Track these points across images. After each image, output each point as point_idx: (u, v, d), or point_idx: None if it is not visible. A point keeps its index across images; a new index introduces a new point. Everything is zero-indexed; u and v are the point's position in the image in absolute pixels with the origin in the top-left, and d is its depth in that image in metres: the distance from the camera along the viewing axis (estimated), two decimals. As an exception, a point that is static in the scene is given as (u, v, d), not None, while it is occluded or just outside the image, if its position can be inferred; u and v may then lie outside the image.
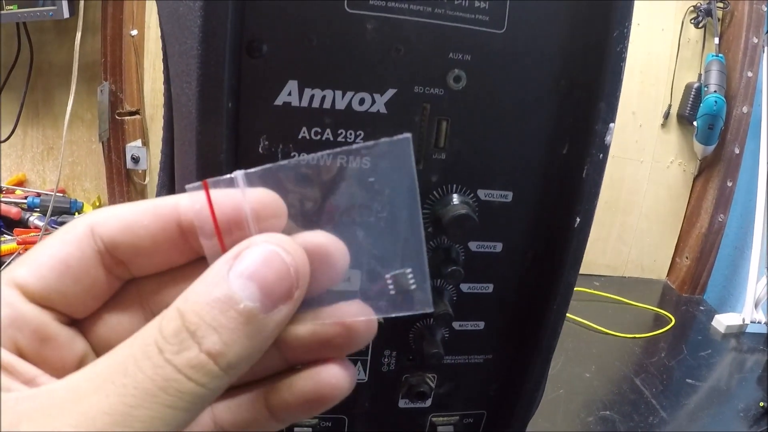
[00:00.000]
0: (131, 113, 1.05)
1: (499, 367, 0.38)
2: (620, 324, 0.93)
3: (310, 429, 0.38)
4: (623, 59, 0.32)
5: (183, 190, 0.31)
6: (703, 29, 1.11)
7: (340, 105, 0.29)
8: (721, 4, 1.09)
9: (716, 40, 1.09)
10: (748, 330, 0.99)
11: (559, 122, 0.33)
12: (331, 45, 0.28)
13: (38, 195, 1.12)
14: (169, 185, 0.49)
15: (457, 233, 0.30)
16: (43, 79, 1.13)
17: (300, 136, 0.29)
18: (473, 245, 0.34)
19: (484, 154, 0.32)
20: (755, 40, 1.06)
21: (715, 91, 1.04)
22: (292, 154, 0.29)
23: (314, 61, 0.28)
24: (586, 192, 0.33)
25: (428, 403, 0.38)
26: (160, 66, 1.18)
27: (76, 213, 1.12)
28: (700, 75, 1.10)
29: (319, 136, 0.29)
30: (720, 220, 1.10)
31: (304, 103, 0.29)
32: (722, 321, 0.98)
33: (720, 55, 1.08)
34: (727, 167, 1.08)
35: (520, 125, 0.32)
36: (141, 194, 1.12)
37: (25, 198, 1.11)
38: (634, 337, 0.90)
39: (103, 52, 1.00)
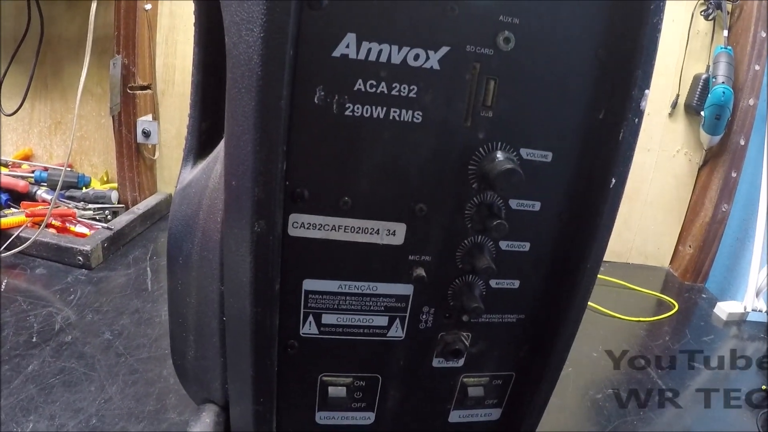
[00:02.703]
0: (143, 87, 1.05)
1: (531, 328, 0.39)
2: (625, 308, 0.94)
3: (345, 388, 0.39)
4: (659, 30, 0.33)
5: (233, 141, 0.31)
6: (712, 21, 1.11)
7: (396, 59, 0.30)
8: (731, -3, 1.10)
9: (725, 33, 1.10)
10: (749, 318, 1.00)
11: (597, 88, 0.34)
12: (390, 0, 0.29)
13: (45, 169, 1.11)
14: (197, 148, 0.50)
15: (504, 187, 0.31)
16: (52, 52, 1.12)
17: (355, 88, 0.30)
18: (513, 203, 0.34)
19: (528, 114, 0.33)
20: (763, 34, 1.07)
21: (723, 83, 1.05)
22: (347, 106, 0.30)
23: (373, 15, 0.29)
24: (621, 154, 0.34)
25: (461, 362, 0.39)
26: (173, 41, 1.16)
27: (84, 187, 1.12)
28: (708, 66, 1.11)
29: (374, 89, 0.30)
30: (723, 210, 1.11)
31: (361, 56, 0.29)
32: (724, 309, 1.00)
33: (729, 47, 1.09)
34: (732, 158, 1.10)
35: (561, 89, 0.33)
36: (150, 169, 1.12)
37: (32, 172, 1.11)
38: (639, 321, 0.92)
39: (116, 25, 0.99)
